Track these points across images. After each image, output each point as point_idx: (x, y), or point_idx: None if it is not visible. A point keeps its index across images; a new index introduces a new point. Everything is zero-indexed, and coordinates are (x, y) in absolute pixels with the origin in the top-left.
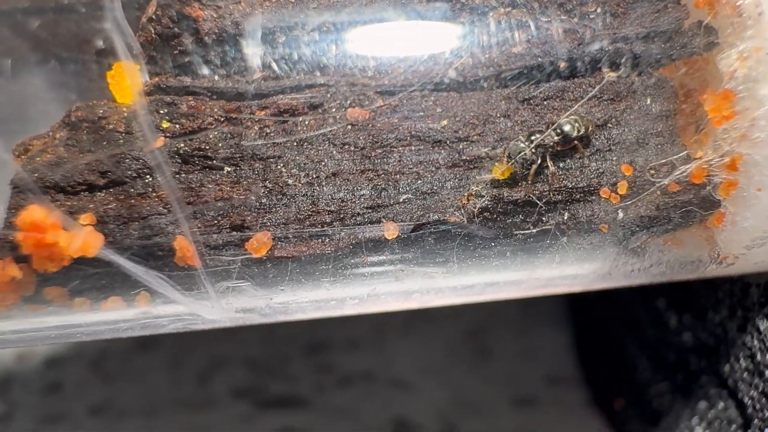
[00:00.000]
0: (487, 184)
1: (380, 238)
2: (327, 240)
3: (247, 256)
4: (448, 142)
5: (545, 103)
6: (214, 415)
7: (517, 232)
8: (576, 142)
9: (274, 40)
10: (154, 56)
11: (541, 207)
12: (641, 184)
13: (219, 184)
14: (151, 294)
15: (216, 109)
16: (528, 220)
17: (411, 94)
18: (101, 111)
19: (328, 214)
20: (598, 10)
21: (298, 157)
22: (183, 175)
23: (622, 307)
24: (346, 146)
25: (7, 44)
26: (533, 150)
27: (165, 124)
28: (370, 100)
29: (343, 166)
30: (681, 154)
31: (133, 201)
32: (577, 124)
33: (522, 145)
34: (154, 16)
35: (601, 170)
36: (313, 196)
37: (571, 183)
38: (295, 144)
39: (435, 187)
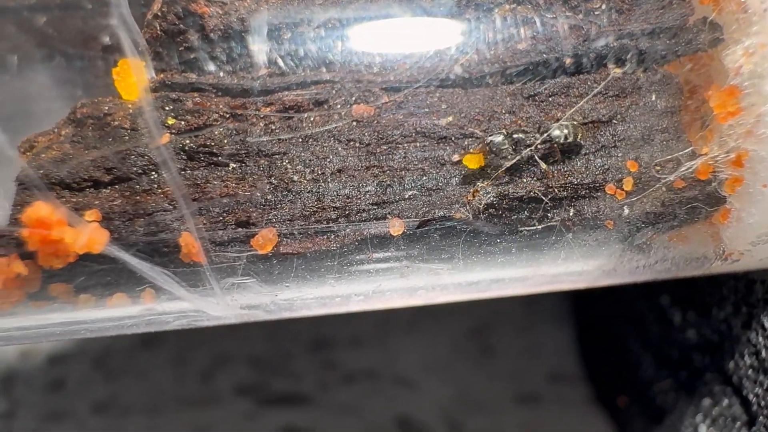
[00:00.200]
0: (485, 183)
1: (385, 235)
2: (332, 236)
3: (252, 253)
4: (453, 138)
5: (550, 99)
6: (217, 413)
7: (523, 228)
8: (557, 146)
9: (279, 37)
10: (159, 53)
11: (547, 203)
12: (647, 181)
13: (224, 180)
14: (156, 291)
15: (221, 106)
16: (533, 216)
17: (416, 90)
18: (106, 107)
19: (334, 210)
20: (603, 6)
21: (303, 154)
22: (188, 171)
23: (625, 304)
24: (351, 143)
25: (12, 40)
26: (512, 148)
27: (170, 121)
28: (375, 96)
29: (348, 162)
30: (686, 151)
31: (138, 197)
32: (566, 131)
33: (500, 139)
34: (159, 13)
35: (606, 166)
36: (318, 192)
37: (576, 179)
38: (301, 140)
39: (440, 184)
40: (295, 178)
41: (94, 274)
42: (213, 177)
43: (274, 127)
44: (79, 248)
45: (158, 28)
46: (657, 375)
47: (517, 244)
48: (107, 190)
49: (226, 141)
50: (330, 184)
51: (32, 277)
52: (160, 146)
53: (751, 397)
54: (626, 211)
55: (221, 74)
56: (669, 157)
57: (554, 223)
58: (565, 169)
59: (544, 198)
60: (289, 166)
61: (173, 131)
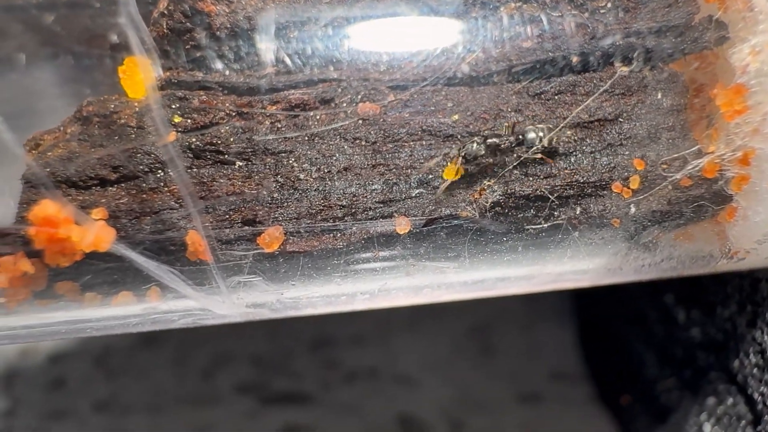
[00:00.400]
0: (491, 182)
1: (392, 233)
2: (339, 235)
3: (258, 251)
4: (459, 136)
5: (556, 97)
6: (218, 412)
7: (529, 226)
8: (539, 151)
9: (285, 35)
10: (165, 51)
11: (553, 201)
12: (653, 179)
13: (231, 178)
14: (162, 289)
15: (227, 104)
16: (540, 214)
17: (422, 88)
18: (113, 106)
19: (340, 208)
20: (609, 4)
21: (309, 152)
22: (195, 169)
23: (627, 302)
24: (358, 141)
25: (19, 38)
26: (488, 153)
27: (177, 119)
28: (381, 94)
29: (354, 160)
30: (693, 149)
31: (144, 195)
32: (541, 134)
33: (476, 147)
34: (166, 11)
35: (612, 165)
36: (324, 190)
37: (583, 177)
38: (307, 138)
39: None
40: (302, 176)
41: (100, 272)
42: (219, 175)
43: (280, 126)
44: (86, 246)
45: (164, 26)
46: (660, 374)
47: (523, 242)
48: (113, 189)
49: (232, 139)
50: (336, 183)
51: (38, 276)
52: (168, 144)
53: (756, 395)
54: (633, 209)
55: (227, 72)
56: (676, 155)
57: (561, 222)
58: (571, 167)
59: (550, 196)
60: (295, 165)
61: (179, 129)
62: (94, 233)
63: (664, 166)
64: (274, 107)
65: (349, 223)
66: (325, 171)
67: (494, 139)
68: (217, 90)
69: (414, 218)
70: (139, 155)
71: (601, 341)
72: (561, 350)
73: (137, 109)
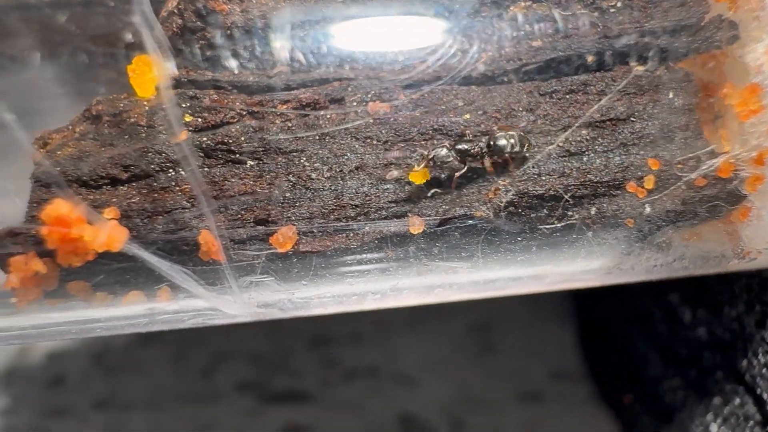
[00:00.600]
0: (505, 182)
1: (405, 233)
2: (352, 234)
3: (271, 251)
4: (470, 135)
5: (568, 96)
6: (218, 410)
7: (543, 226)
8: (507, 156)
9: (296, 34)
10: (175, 50)
11: (567, 201)
12: (668, 179)
13: (242, 178)
14: (172, 289)
15: (238, 103)
16: (553, 214)
17: (433, 87)
18: (122, 104)
19: (353, 208)
20: (619, 3)
21: (321, 151)
22: (206, 169)
23: (629, 301)
24: (369, 140)
25: (31, 37)
26: (457, 158)
27: (187, 118)
28: (392, 93)
29: (366, 159)
30: (708, 149)
31: (156, 195)
32: (512, 140)
33: (445, 152)
34: (176, 10)
35: (626, 164)
36: (336, 190)
37: (597, 177)
38: (318, 138)
39: (460, 182)
40: (313, 175)
41: (111, 272)
42: (231, 174)
43: (291, 125)
44: (99, 246)
45: (175, 25)
46: (664, 373)
47: (537, 242)
48: (124, 188)
49: (243, 138)
50: (348, 182)
51: (50, 276)
52: (181, 143)
53: (765, 396)
54: (648, 209)
55: (238, 72)
56: (691, 155)
57: (575, 221)
58: (586, 167)
59: (565, 196)
60: (306, 164)
61: (190, 128)
62: (107, 233)
63: (679, 166)
64: (285, 106)
65: (363, 222)
66: (337, 170)
67: (463, 145)
68: (228, 89)
69: (428, 218)
70: (150, 154)
71: (602, 340)
72: (561, 349)
73: (147, 107)
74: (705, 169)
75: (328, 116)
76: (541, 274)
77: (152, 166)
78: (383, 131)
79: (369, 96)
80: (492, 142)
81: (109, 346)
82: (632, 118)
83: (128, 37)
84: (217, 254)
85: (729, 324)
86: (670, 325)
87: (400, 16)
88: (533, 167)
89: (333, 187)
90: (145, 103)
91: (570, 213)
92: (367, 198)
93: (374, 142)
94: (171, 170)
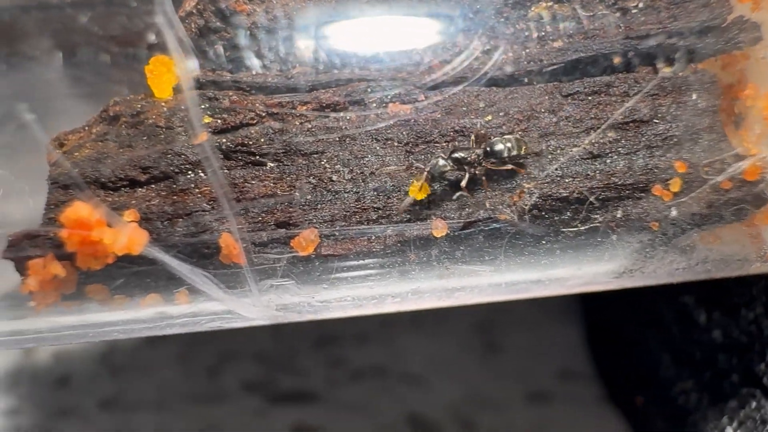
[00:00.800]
0: (530, 184)
1: (428, 236)
2: (373, 237)
3: (293, 254)
4: (491, 137)
5: (590, 98)
6: (225, 410)
7: (567, 229)
8: (509, 162)
9: (316, 34)
10: (198, 50)
11: (593, 204)
12: (694, 181)
13: (262, 180)
14: (191, 292)
15: (257, 104)
16: (578, 217)
17: (454, 88)
18: (140, 105)
19: (374, 211)
20: (641, 4)
21: (341, 153)
22: (226, 170)
23: (638, 302)
24: (390, 141)
25: (54, 37)
26: (455, 168)
27: (207, 119)
28: (412, 94)
29: (387, 161)
30: (734, 151)
31: (176, 197)
32: (509, 144)
33: (442, 162)
34: (194, 10)
35: (651, 167)
36: (357, 192)
37: (621, 180)
38: (338, 139)
39: (481, 184)
40: (334, 177)
41: (130, 275)
42: (251, 176)
43: (311, 126)
44: (120, 249)
45: (194, 25)
46: (677, 375)
47: (560, 245)
48: (143, 190)
49: (263, 140)
50: (369, 184)
51: (68, 279)
52: (204, 144)
53: None
54: (673, 212)
55: (257, 72)
56: (717, 157)
57: (599, 225)
58: (610, 170)
59: (590, 198)
60: (327, 166)
61: (209, 130)
62: (128, 236)
63: (706, 169)
64: (305, 107)
65: (385, 225)
66: (358, 172)
67: (460, 153)
68: (247, 90)
69: (451, 221)
70: (170, 156)
71: (611, 340)
72: (568, 349)
73: (165, 108)
74: (732, 172)
75: (348, 117)
76: (563, 277)
77: (172, 168)
78: (404, 132)
79: (389, 97)
80: (489, 148)
81: (115, 346)
82: (655, 120)
83: (151, 37)
84: (238, 257)
85: (746, 326)
86: (684, 326)
87: (420, 18)
88: (557, 170)
89: (354, 190)
90: (163, 104)
91: (594, 216)
92: (389, 200)
93: (395, 143)
94: (191, 172)
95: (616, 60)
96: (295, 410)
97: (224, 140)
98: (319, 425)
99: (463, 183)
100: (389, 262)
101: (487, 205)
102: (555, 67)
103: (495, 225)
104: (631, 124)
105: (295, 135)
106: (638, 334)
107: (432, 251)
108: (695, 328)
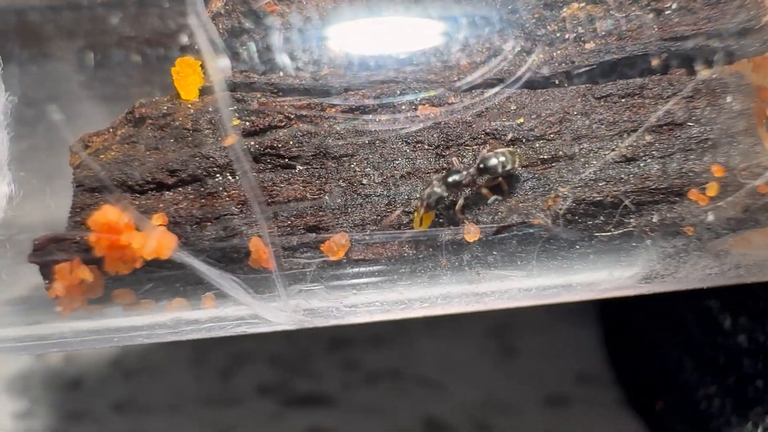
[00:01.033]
0: (565, 189)
1: (461, 241)
2: (404, 242)
3: (323, 259)
4: (524, 140)
5: (623, 100)
6: (239, 413)
7: (601, 234)
8: (501, 178)
9: (345, 36)
10: (226, 51)
11: (627, 209)
12: (730, 185)
13: (292, 183)
14: (217, 297)
15: (286, 106)
16: (611, 221)
17: (484, 90)
18: (165, 107)
19: (405, 215)
20: (674, 5)
21: (371, 156)
22: (254, 174)
23: (658, 305)
24: (420, 144)
25: (85, 38)
26: (451, 191)
27: (235, 122)
28: (442, 97)
29: (417, 164)
30: None
31: (204, 201)
32: (503, 158)
33: (438, 190)
34: (223, 11)
35: (685, 170)
36: (388, 195)
37: (655, 184)
38: (368, 142)
39: (513, 187)
40: (364, 181)
41: (157, 279)
42: (280, 180)
43: (339, 129)
44: (148, 253)
45: (222, 26)
46: (699, 380)
47: (593, 249)
48: (171, 193)
49: (292, 142)
50: (400, 188)
51: (96, 283)
52: (235, 146)
53: None
54: (710, 217)
55: (285, 74)
56: (754, 161)
57: (633, 229)
58: (644, 174)
59: (625, 201)
60: (357, 169)
61: (238, 132)
62: (156, 240)
63: (743, 172)
64: (333, 110)
65: (416, 229)
66: (388, 175)
67: (454, 177)
68: (276, 92)
69: (484, 226)
70: (198, 158)
71: (629, 344)
72: (585, 352)
73: (192, 110)
74: None
75: (378, 120)
76: (595, 281)
77: (200, 171)
78: (434, 135)
79: (419, 99)
80: (482, 165)
81: (126, 348)
82: (689, 123)
83: (183, 38)
84: (267, 262)
85: None
86: (707, 330)
87: (451, 20)
88: (592, 174)
89: (385, 193)
90: (190, 105)
91: (628, 220)
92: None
93: (425, 146)
94: (219, 175)
95: (654, 62)
96: (310, 414)
97: (253, 143)
98: (335, 429)
99: (458, 206)
100: (420, 267)
101: (521, 209)
102: (587, 68)
103: (528, 230)
104: (665, 127)
105: (325, 137)
106: (658, 337)
107: (464, 256)
108: (719, 333)
